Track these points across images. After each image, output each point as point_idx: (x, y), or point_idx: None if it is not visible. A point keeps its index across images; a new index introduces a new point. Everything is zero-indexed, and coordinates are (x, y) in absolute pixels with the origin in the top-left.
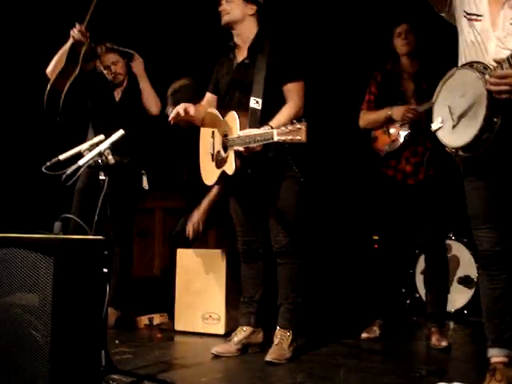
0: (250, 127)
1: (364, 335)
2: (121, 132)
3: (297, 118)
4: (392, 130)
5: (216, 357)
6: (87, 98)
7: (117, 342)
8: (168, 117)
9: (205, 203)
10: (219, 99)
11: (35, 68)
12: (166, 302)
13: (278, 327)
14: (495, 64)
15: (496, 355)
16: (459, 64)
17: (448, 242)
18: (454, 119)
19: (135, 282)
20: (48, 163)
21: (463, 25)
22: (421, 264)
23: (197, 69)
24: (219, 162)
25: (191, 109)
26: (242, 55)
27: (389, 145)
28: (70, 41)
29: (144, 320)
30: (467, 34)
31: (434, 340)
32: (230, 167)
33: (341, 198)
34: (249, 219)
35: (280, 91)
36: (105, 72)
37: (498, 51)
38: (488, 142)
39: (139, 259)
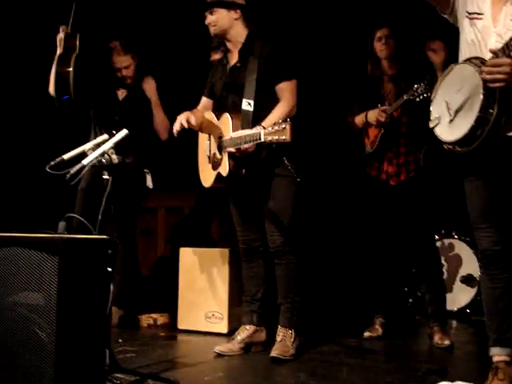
0: (243, 128)
1: (366, 334)
2: (124, 131)
3: (289, 117)
4: (371, 132)
5: (219, 355)
6: (90, 96)
7: (120, 340)
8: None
9: None
10: (215, 103)
11: (39, 66)
12: (168, 300)
13: (279, 325)
14: (491, 54)
15: (498, 354)
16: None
17: (450, 240)
18: (451, 114)
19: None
20: (52, 163)
21: (464, 25)
22: None
23: (192, 73)
24: (215, 163)
25: (192, 118)
26: (234, 59)
27: (368, 146)
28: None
29: (147, 319)
30: (468, 33)
31: (436, 339)
32: (223, 169)
33: (343, 195)
34: (247, 218)
35: (273, 91)
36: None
37: (498, 46)
38: (484, 134)
39: (141, 258)
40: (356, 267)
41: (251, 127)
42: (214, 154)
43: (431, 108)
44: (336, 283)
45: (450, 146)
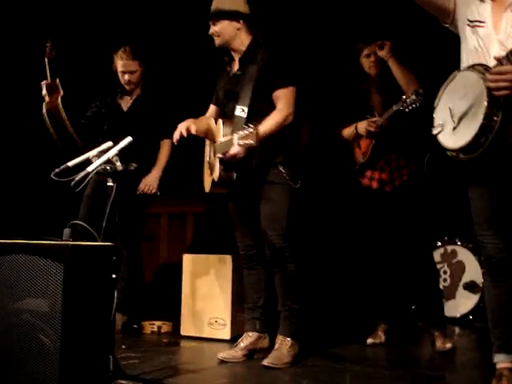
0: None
1: (369, 340)
2: (129, 139)
3: (284, 124)
4: (362, 143)
5: (222, 362)
6: (97, 109)
7: (124, 346)
8: None
9: None
10: (220, 110)
11: (42, 75)
12: (171, 307)
13: (278, 333)
14: (495, 62)
15: (502, 361)
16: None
17: (453, 247)
18: (455, 121)
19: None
20: (57, 170)
21: (467, 33)
22: None
23: (197, 80)
24: (211, 169)
25: (192, 127)
26: (236, 67)
27: (361, 157)
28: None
29: (151, 327)
30: (470, 41)
31: (439, 344)
32: (215, 174)
33: (345, 201)
34: (246, 225)
35: (270, 99)
36: (119, 75)
37: (500, 53)
38: (488, 141)
39: (144, 264)
40: (359, 274)
41: None
42: (211, 159)
43: (434, 115)
44: (339, 290)
45: (454, 153)
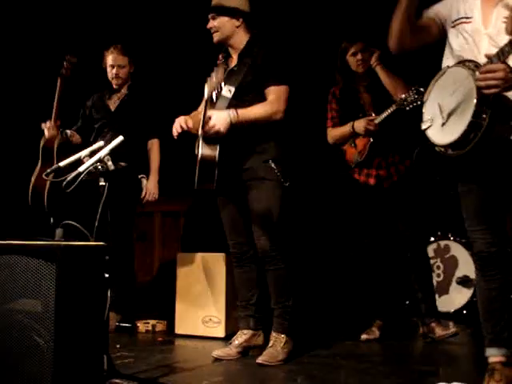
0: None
1: (364, 336)
2: (120, 138)
3: (269, 119)
4: (358, 142)
5: (217, 360)
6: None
7: (118, 346)
8: None
9: None
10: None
11: (39, 74)
12: (165, 305)
13: (272, 331)
14: (486, 59)
15: (494, 355)
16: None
17: (446, 242)
18: (444, 117)
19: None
20: (48, 170)
21: (450, 35)
22: None
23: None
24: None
25: (189, 122)
26: (233, 63)
27: (357, 156)
28: (42, 141)
29: (145, 326)
30: (454, 42)
31: (439, 331)
32: (199, 153)
33: (339, 197)
34: (236, 222)
35: (262, 94)
36: (108, 70)
37: (491, 49)
38: (476, 139)
39: (138, 263)
40: (353, 270)
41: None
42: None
43: (423, 110)
44: (333, 286)
45: (442, 149)
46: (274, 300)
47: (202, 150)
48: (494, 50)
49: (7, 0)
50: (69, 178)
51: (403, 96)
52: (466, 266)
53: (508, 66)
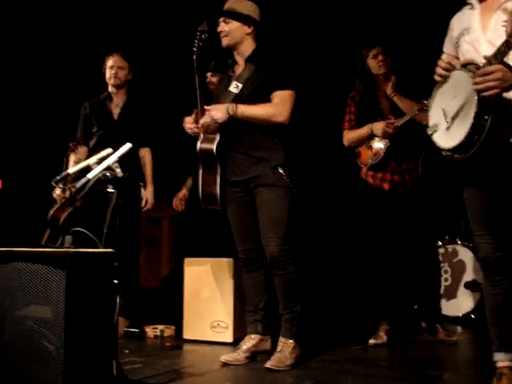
0: None
1: (371, 341)
2: (128, 145)
3: (269, 120)
4: (374, 144)
5: (225, 365)
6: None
7: (126, 351)
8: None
9: None
10: None
11: (46, 82)
12: (173, 310)
13: (280, 336)
14: (484, 61)
15: (502, 359)
16: None
17: (454, 246)
18: (448, 121)
19: (143, 291)
20: (57, 177)
21: (458, 53)
22: None
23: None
24: None
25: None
26: (239, 70)
27: (372, 158)
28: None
29: (154, 331)
30: (459, 51)
31: (442, 336)
32: (198, 144)
33: (347, 202)
34: (245, 228)
35: (267, 99)
36: (107, 72)
37: (491, 53)
38: (480, 140)
39: (146, 268)
40: (361, 274)
41: None
42: None
43: (429, 116)
44: (340, 290)
45: (449, 153)
46: (282, 305)
47: (201, 144)
48: None
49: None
50: (77, 185)
51: (426, 101)
52: (474, 270)
53: (505, 65)
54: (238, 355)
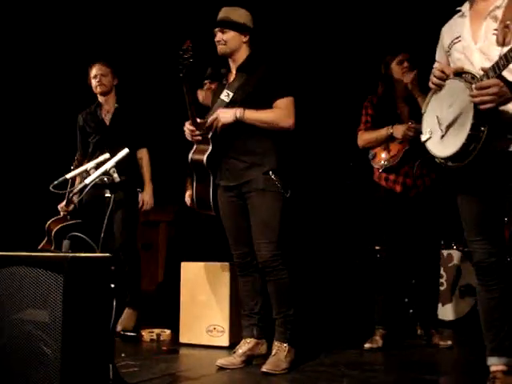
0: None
1: (367, 345)
2: (126, 150)
3: (279, 124)
4: (392, 147)
5: (221, 369)
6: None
7: (123, 355)
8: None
9: None
10: None
11: (45, 85)
12: (169, 314)
13: (274, 340)
14: (482, 72)
15: (495, 363)
16: None
17: (449, 251)
18: (443, 129)
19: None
20: (55, 182)
21: (449, 58)
22: None
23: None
24: None
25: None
26: (232, 77)
27: (387, 160)
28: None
29: (150, 335)
30: (450, 59)
31: (437, 340)
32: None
33: (344, 208)
34: (240, 233)
35: (262, 106)
36: (92, 82)
37: (483, 62)
38: (476, 151)
39: (143, 272)
40: (356, 278)
41: None
42: None
43: (422, 121)
44: (336, 294)
45: (443, 161)
46: (276, 310)
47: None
48: (486, 63)
49: None
50: (75, 190)
51: None
52: (469, 274)
53: (502, 80)
54: (234, 359)
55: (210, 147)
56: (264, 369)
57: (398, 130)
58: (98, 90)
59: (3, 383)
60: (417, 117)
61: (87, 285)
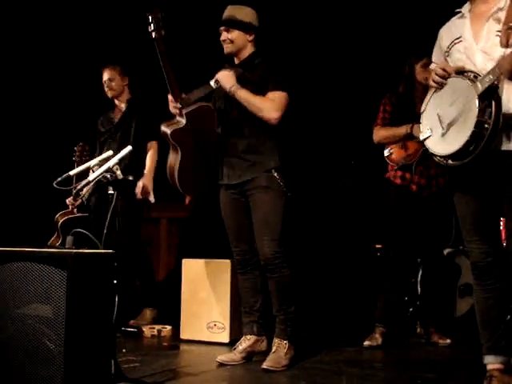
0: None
1: (366, 343)
2: (129, 148)
3: (262, 112)
4: (410, 145)
5: (221, 365)
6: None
7: (124, 350)
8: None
9: None
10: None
11: (49, 84)
12: (170, 310)
13: (274, 336)
14: (484, 72)
15: (492, 362)
16: None
17: (449, 250)
18: (444, 127)
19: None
20: (59, 178)
21: (448, 59)
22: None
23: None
24: None
25: None
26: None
27: (404, 158)
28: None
29: (151, 331)
30: (450, 59)
31: (436, 338)
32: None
33: (345, 206)
34: (240, 230)
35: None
36: (104, 85)
37: (485, 62)
38: (478, 149)
39: None
40: (356, 276)
41: None
42: None
43: (422, 119)
44: (336, 292)
45: (442, 159)
46: (277, 307)
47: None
48: (489, 63)
49: None
50: (79, 187)
51: None
52: (468, 273)
53: None
54: (235, 355)
55: (183, 122)
56: (264, 365)
57: (418, 130)
58: (109, 94)
59: (6, 377)
60: None
61: (90, 281)
